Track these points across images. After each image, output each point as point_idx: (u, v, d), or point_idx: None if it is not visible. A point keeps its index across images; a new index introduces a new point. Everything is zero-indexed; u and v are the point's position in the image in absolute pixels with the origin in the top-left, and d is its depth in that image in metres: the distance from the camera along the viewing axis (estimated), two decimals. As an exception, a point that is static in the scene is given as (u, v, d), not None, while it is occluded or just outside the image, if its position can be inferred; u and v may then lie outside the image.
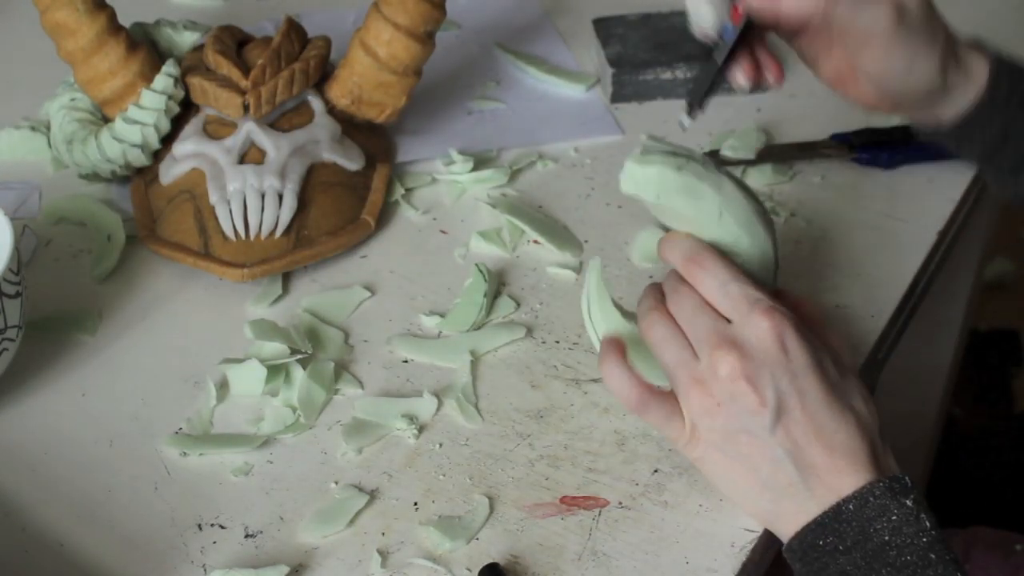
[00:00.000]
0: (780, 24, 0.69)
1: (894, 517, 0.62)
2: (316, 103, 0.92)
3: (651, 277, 0.86)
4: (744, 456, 0.65)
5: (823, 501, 0.64)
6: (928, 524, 0.62)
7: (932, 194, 0.93)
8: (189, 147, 0.89)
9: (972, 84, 0.74)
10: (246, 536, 0.71)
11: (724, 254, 0.67)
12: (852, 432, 0.64)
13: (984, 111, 0.74)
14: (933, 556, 0.62)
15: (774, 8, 0.66)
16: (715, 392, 0.65)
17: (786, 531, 0.65)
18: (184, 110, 0.91)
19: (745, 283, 0.65)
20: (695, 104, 0.69)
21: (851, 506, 0.63)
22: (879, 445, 0.66)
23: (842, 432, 0.64)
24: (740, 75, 0.71)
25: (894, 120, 1.00)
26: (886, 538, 0.62)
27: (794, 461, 0.64)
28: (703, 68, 0.68)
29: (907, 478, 0.64)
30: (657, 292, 0.69)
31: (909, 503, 0.63)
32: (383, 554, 0.70)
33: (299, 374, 0.79)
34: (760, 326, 0.64)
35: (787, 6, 0.66)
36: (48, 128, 0.98)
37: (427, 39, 0.91)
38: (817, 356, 0.64)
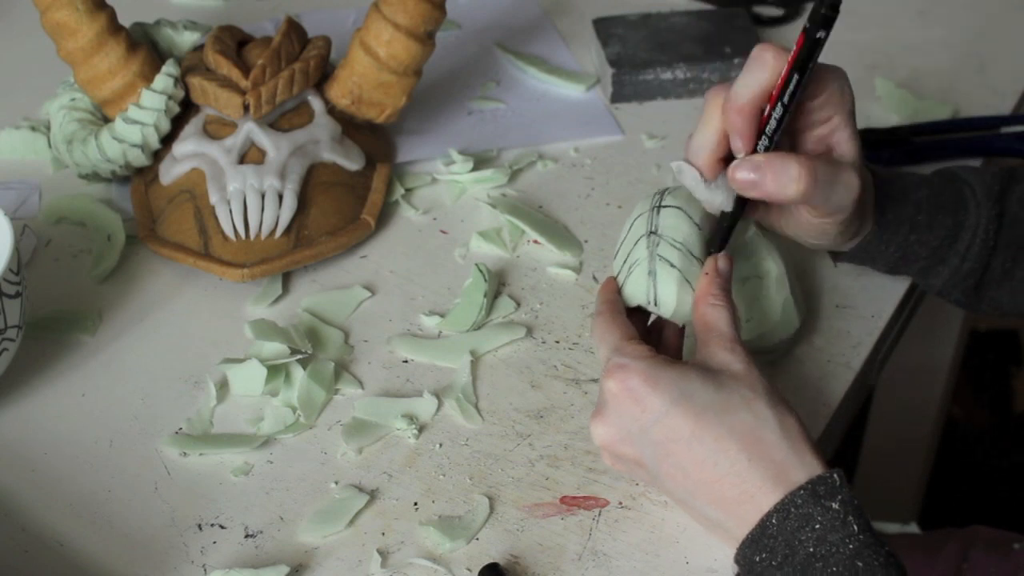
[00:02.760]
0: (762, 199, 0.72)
1: (818, 525, 0.61)
2: (316, 103, 0.92)
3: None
4: (665, 493, 0.68)
5: (750, 520, 0.63)
6: (856, 527, 0.61)
7: (932, 194, 0.93)
8: (189, 147, 0.89)
9: (866, 223, 0.76)
10: (246, 536, 0.71)
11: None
12: (739, 454, 0.63)
13: (876, 240, 0.78)
14: (860, 564, 0.60)
15: (757, 189, 0.69)
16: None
17: (732, 540, 0.65)
18: (184, 110, 0.91)
19: (605, 343, 0.68)
20: (716, 247, 0.73)
21: (774, 519, 0.62)
22: (792, 446, 0.63)
23: (727, 459, 0.63)
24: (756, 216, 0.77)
25: (894, 120, 1.00)
26: (811, 549, 0.61)
27: (698, 498, 0.65)
28: (719, 224, 0.73)
29: (835, 475, 0.62)
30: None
31: (835, 505, 0.61)
32: (383, 554, 0.70)
33: (299, 374, 0.79)
34: (608, 388, 0.66)
35: (769, 187, 0.69)
36: (48, 128, 0.98)
37: (427, 39, 0.91)
38: (675, 392, 0.64)
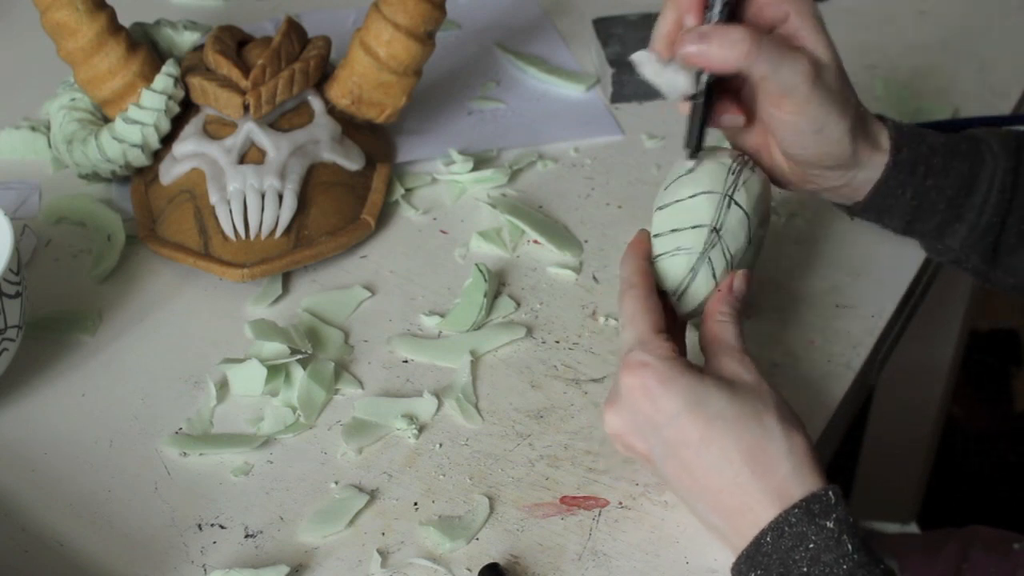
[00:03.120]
0: (711, 71, 0.72)
1: (812, 544, 0.61)
2: (316, 103, 0.92)
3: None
4: (670, 489, 0.69)
5: (747, 534, 0.63)
6: (850, 547, 0.61)
7: (932, 194, 0.93)
8: (189, 147, 0.89)
9: (879, 154, 0.75)
10: (246, 536, 0.71)
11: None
12: (742, 466, 0.63)
13: (892, 181, 0.75)
14: None
15: (704, 57, 0.69)
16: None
17: (731, 547, 0.65)
18: (184, 110, 0.91)
19: (634, 328, 0.68)
20: (692, 146, 0.73)
21: (768, 538, 0.62)
22: (795, 463, 0.63)
23: (731, 469, 0.63)
24: (728, 116, 0.74)
25: (894, 120, 1.00)
26: (805, 569, 0.61)
27: (700, 503, 0.65)
28: (690, 117, 0.73)
29: (830, 493, 0.62)
30: None
31: (830, 524, 0.61)
32: (383, 554, 0.70)
33: (299, 374, 0.79)
34: (626, 383, 0.66)
35: (714, 55, 0.69)
36: (48, 128, 0.98)
37: (427, 39, 0.91)
38: (691, 396, 0.64)
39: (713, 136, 0.75)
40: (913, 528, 1.55)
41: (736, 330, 0.69)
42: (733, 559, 0.64)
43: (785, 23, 0.72)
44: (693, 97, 0.73)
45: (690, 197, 0.72)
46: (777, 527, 0.61)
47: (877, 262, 0.87)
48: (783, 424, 0.64)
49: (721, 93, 0.74)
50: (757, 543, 0.62)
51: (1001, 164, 0.75)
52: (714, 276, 0.71)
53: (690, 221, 0.71)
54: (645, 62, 0.72)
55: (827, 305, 0.84)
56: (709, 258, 0.71)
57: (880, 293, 0.85)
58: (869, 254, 0.88)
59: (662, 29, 0.73)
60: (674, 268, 0.71)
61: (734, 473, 0.63)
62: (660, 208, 0.73)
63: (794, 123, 0.72)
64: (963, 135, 0.78)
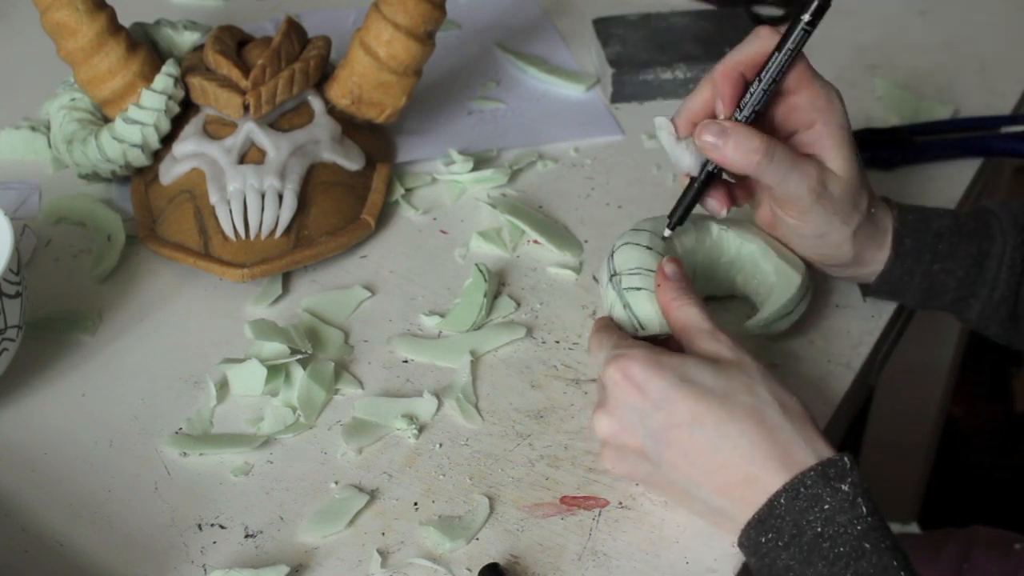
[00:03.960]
0: (722, 167, 0.75)
1: (827, 506, 0.61)
2: (316, 103, 0.92)
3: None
4: (665, 491, 0.69)
5: (756, 501, 0.63)
6: (865, 509, 0.61)
7: (932, 194, 0.93)
8: (189, 147, 0.89)
9: (884, 252, 0.78)
10: (246, 536, 0.71)
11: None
12: (740, 437, 0.63)
13: (897, 270, 0.78)
14: (867, 545, 0.61)
15: (717, 152, 0.73)
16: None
17: (736, 526, 0.65)
18: (184, 110, 0.91)
19: (600, 346, 0.70)
20: (675, 220, 0.77)
21: (783, 499, 0.62)
22: (796, 428, 0.64)
23: (730, 442, 0.63)
24: (714, 203, 0.77)
25: (894, 120, 1.00)
26: (819, 529, 0.61)
27: (701, 486, 0.65)
28: (683, 195, 0.77)
29: (846, 458, 0.63)
30: None
31: (845, 487, 0.62)
32: (383, 554, 0.70)
33: (299, 374, 0.79)
34: (609, 376, 0.67)
35: (728, 153, 0.72)
36: (48, 128, 0.98)
37: (427, 39, 0.91)
38: (674, 376, 0.65)
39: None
40: (914, 528, 1.55)
41: (698, 310, 0.70)
42: (736, 537, 0.65)
43: (811, 129, 0.75)
44: (693, 178, 0.76)
45: (601, 288, 0.78)
46: (792, 488, 0.62)
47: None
48: (774, 392, 0.65)
49: (717, 180, 0.77)
50: (771, 505, 0.62)
51: (1010, 240, 0.77)
52: (638, 289, 0.74)
53: (605, 293, 0.77)
54: (664, 129, 0.76)
55: (827, 305, 0.84)
56: (623, 289, 0.75)
57: (880, 293, 0.85)
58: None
59: (691, 106, 0.76)
60: (618, 319, 0.75)
61: (733, 446, 0.63)
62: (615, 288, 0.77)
63: (797, 227, 0.76)
64: (972, 212, 0.80)
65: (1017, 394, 1.89)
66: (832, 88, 0.75)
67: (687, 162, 0.75)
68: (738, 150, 0.72)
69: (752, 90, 0.73)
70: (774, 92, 0.73)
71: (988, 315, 0.79)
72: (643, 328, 0.74)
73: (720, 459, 0.64)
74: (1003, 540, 1.00)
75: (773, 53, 0.72)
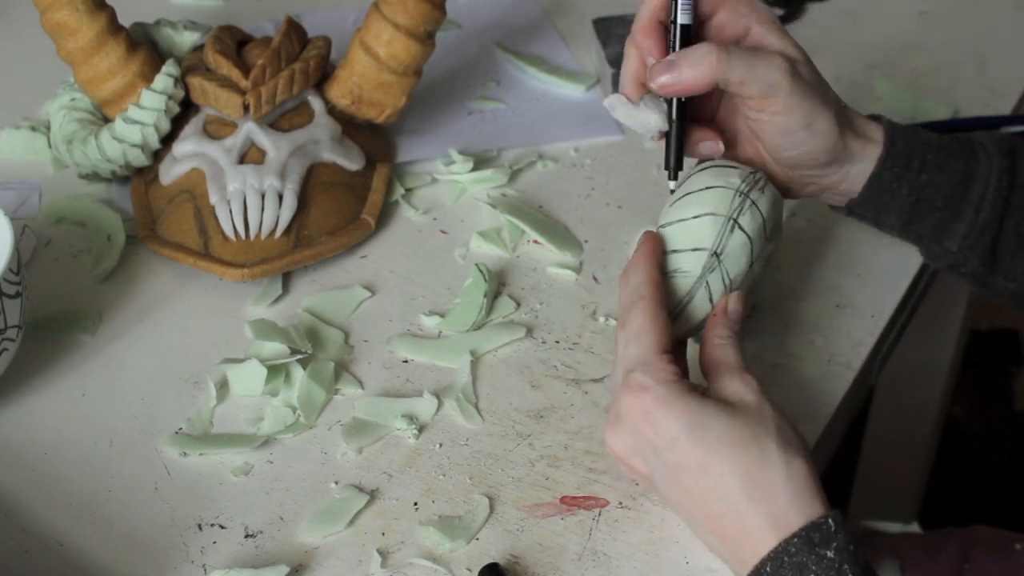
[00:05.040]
0: (690, 94, 0.73)
1: (811, 575, 0.60)
2: (316, 103, 0.92)
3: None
4: (673, 510, 0.68)
5: (747, 562, 0.62)
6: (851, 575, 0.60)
7: (932, 194, 0.93)
8: (189, 147, 0.89)
9: (872, 146, 0.75)
10: (246, 536, 0.71)
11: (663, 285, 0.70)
12: (740, 492, 0.62)
13: (887, 173, 0.75)
14: None
15: (677, 82, 0.71)
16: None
17: (732, 568, 0.65)
18: (184, 110, 0.91)
19: (638, 346, 0.67)
20: (672, 168, 0.74)
21: (768, 568, 0.61)
22: (794, 490, 0.62)
23: (729, 495, 0.62)
24: (707, 144, 0.75)
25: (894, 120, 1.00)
26: None
27: (701, 527, 0.64)
28: (667, 144, 0.74)
29: (830, 520, 0.61)
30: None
31: (830, 554, 0.60)
32: (383, 554, 0.70)
33: (299, 374, 0.79)
34: (625, 402, 0.65)
35: (687, 76, 0.71)
36: (48, 128, 0.98)
37: (427, 39, 0.91)
38: (689, 420, 0.63)
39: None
40: (914, 528, 1.55)
41: (735, 352, 0.68)
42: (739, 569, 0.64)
43: (748, 36, 0.73)
44: (667, 132, 0.74)
45: (693, 218, 0.71)
46: (777, 557, 0.60)
47: (877, 262, 0.87)
48: (783, 449, 0.63)
49: (696, 122, 0.75)
50: (757, 573, 0.61)
51: (996, 163, 0.75)
52: (711, 300, 0.70)
53: (691, 243, 0.71)
54: (617, 105, 0.74)
55: (827, 305, 0.84)
56: (707, 282, 0.70)
57: (880, 293, 0.85)
58: (869, 254, 0.88)
59: (628, 71, 0.74)
60: (669, 286, 0.71)
61: (732, 500, 0.62)
62: (663, 226, 0.72)
63: (782, 122, 0.73)
64: (956, 136, 0.78)
65: (1017, 394, 1.89)
66: None
67: (654, 120, 0.73)
68: (693, 66, 0.70)
69: (672, 26, 0.72)
70: (698, 22, 0.73)
71: (970, 244, 0.76)
72: (679, 316, 0.70)
73: (718, 509, 0.63)
74: (1003, 540, 1.00)
75: None
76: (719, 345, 0.69)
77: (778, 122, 0.73)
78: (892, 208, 0.77)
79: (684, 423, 0.63)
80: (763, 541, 0.61)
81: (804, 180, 0.77)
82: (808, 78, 0.73)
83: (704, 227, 0.70)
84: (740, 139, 0.77)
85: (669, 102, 0.73)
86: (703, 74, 0.70)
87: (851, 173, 0.76)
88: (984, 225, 0.75)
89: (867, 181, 0.76)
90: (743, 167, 0.74)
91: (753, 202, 0.71)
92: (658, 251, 0.71)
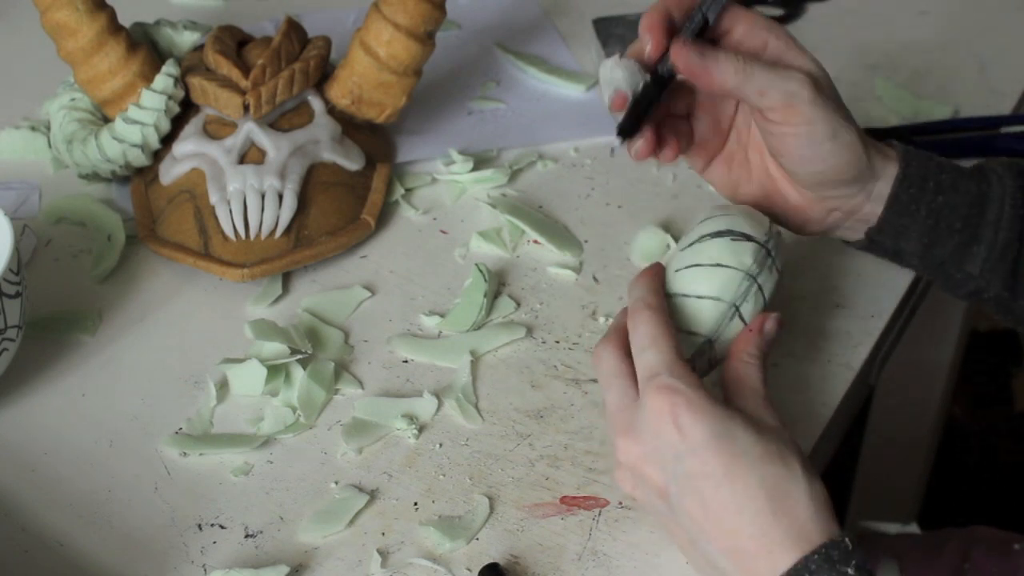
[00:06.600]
0: (696, 84, 0.72)
1: None
2: (316, 103, 0.92)
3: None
4: (671, 531, 0.66)
5: None
6: None
7: (932, 194, 0.93)
8: (189, 147, 0.89)
9: (891, 164, 0.74)
10: (246, 536, 0.71)
11: (672, 303, 0.70)
12: (765, 504, 0.61)
13: (905, 195, 0.74)
14: None
15: (697, 67, 0.69)
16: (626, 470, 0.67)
17: None
18: (184, 110, 0.91)
19: (658, 351, 0.65)
20: (627, 127, 0.72)
21: None
22: (817, 508, 0.62)
23: (753, 507, 0.61)
24: (641, 145, 0.73)
25: (893, 120, 1.00)
26: None
27: (712, 542, 0.63)
28: (632, 101, 0.71)
29: (847, 540, 0.61)
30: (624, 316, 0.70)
31: (850, 571, 0.60)
32: (383, 554, 0.70)
33: (299, 374, 0.79)
34: (651, 406, 0.64)
35: (710, 70, 0.69)
36: (48, 128, 0.98)
37: (427, 39, 0.91)
38: (718, 428, 0.62)
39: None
40: (914, 528, 1.54)
41: (761, 374, 0.68)
42: None
43: (766, 50, 0.72)
44: (637, 94, 0.71)
45: (697, 298, 0.70)
46: (796, 572, 0.60)
47: (877, 262, 0.87)
48: (805, 468, 0.63)
49: (668, 123, 0.74)
50: None
51: (1008, 183, 0.75)
52: (742, 319, 0.70)
53: (688, 324, 0.70)
54: (610, 63, 0.71)
55: (827, 305, 0.84)
56: (695, 364, 0.70)
57: (880, 293, 0.85)
58: (869, 254, 0.88)
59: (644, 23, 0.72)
60: (707, 309, 0.70)
61: (755, 512, 0.61)
62: (678, 270, 0.71)
63: (808, 132, 0.71)
64: (960, 165, 0.77)
65: (1017, 394, 1.89)
66: (757, 15, 0.73)
67: (620, 77, 0.70)
68: (719, 63, 0.69)
69: (692, 23, 0.71)
70: (711, 41, 0.71)
71: (991, 266, 0.75)
72: (709, 343, 0.70)
73: (739, 522, 0.62)
74: (1003, 540, 1.00)
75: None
76: (747, 363, 0.68)
77: (803, 133, 0.71)
78: (912, 232, 0.75)
79: (714, 430, 0.62)
80: (783, 557, 0.61)
81: (828, 205, 0.75)
82: (830, 93, 0.72)
83: (704, 312, 0.70)
84: (744, 177, 0.77)
85: (653, 74, 0.71)
86: (722, 75, 0.69)
87: (873, 193, 0.75)
88: (1004, 245, 0.74)
89: (886, 203, 0.74)
90: (759, 228, 0.72)
91: (760, 287, 0.71)
92: (663, 274, 0.71)
